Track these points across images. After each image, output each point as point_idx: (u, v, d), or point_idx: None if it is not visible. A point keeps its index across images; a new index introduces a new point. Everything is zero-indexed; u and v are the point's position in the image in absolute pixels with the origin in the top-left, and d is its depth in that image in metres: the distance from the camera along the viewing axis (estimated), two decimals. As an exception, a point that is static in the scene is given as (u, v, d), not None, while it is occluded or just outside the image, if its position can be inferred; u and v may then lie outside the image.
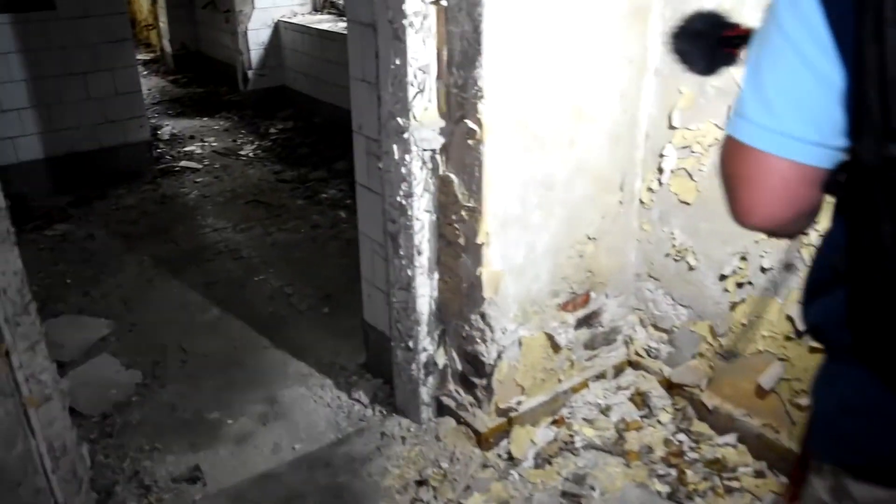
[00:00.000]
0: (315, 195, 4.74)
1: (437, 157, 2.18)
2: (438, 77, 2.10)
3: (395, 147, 2.18)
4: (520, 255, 2.24)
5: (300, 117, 6.26)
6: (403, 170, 2.19)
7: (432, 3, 2.00)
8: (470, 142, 2.05)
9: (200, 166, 5.31)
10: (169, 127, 6.27)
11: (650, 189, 2.44)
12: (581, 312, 2.50)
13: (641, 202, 2.48)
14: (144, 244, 4.11)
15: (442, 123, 2.13)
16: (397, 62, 2.07)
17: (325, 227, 4.29)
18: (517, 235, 2.21)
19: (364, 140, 2.45)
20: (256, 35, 6.36)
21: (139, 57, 9.29)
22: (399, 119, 2.13)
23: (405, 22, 1.98)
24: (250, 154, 5.57)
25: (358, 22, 2.29)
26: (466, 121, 2.03)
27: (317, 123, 6.03)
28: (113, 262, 3.91)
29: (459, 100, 2.05)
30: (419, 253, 2.29)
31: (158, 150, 5.62)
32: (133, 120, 5.00)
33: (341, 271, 3.70)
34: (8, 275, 1.58)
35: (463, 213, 2.16)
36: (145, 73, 8.54)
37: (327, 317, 3.36)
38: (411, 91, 2.07)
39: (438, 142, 2.15)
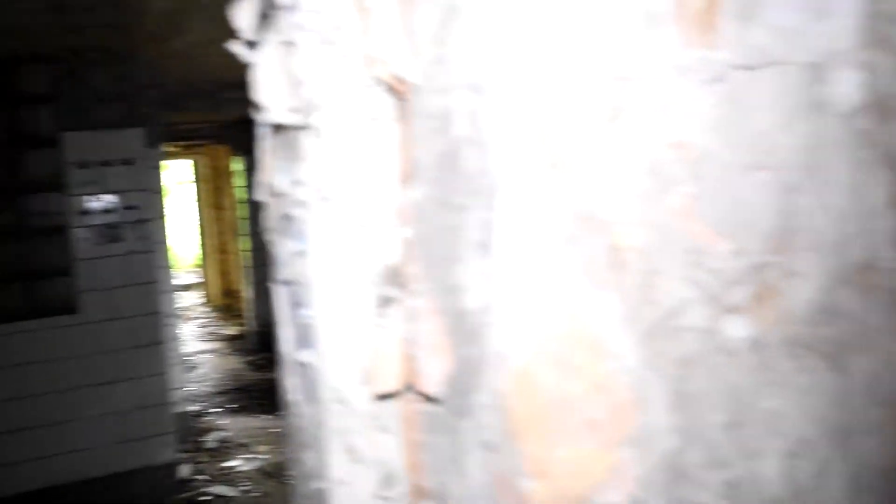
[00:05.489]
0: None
1: None
2: None
3: None
4: None
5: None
6: None
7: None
8: None
9: (236, 494, 4.23)
10: (219, 431, 5.35)
11: None
12: None
13: None
14: None
15: None
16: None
17: None
18: None
19: None
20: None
21: (225, 332, 8.89)
22: None
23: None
24: (300, 477, 4.46)
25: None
26: None
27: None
28: None
29: None
30: None
31: (194, 466, 4.63)
32: (157, 438, 4.08)
33: None
34: None
35: None
36: (226, 351, 7.97)
37: None
38: None
39: None
